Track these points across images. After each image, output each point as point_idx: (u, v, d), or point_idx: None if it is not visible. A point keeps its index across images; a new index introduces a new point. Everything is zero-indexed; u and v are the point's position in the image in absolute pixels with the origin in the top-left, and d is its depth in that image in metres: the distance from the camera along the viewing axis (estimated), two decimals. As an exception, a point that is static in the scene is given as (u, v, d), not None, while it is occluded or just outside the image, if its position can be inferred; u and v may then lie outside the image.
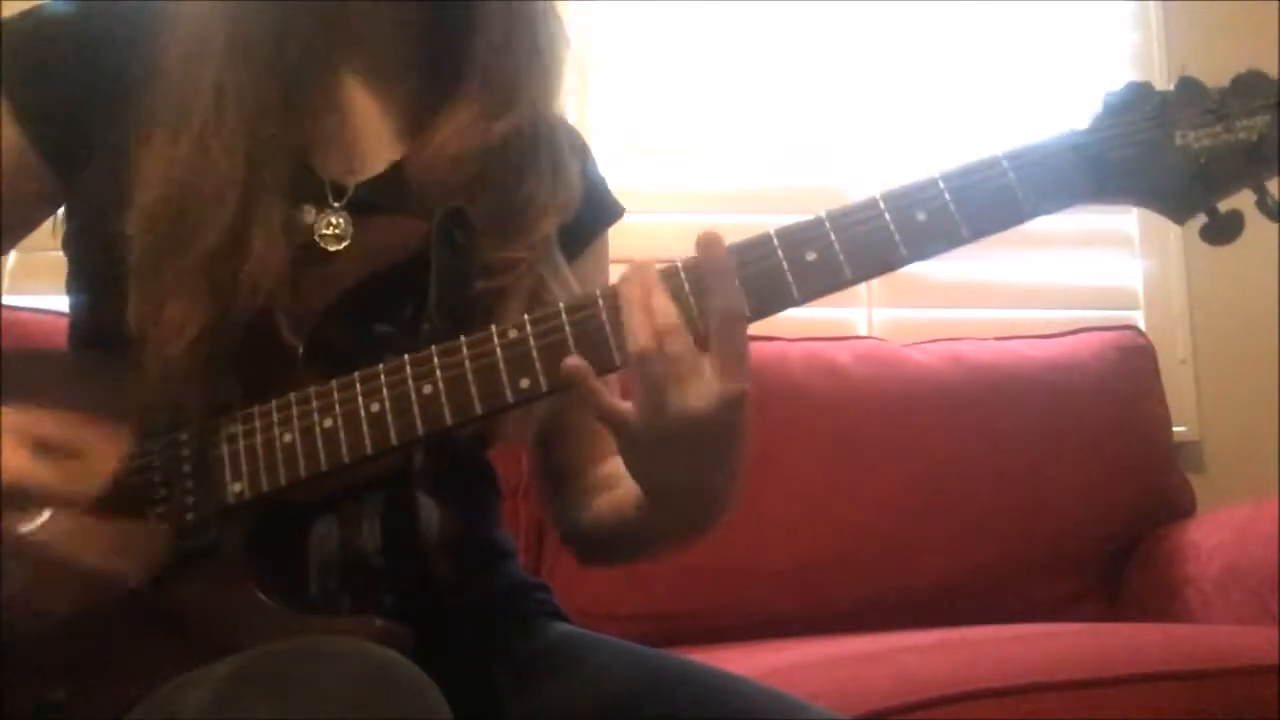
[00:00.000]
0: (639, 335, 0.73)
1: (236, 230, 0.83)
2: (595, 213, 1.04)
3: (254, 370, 0.82)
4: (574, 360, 0.75)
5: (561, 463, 1.02)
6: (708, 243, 0.75)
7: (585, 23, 2.16)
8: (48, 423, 0.78)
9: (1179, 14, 2.21)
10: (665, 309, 0.74)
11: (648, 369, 0.73)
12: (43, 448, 0.77)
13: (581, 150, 1.05)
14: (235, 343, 0.81)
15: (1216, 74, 0.79)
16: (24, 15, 0.94)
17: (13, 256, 1.95)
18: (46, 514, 0.78)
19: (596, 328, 0.77)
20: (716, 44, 2.20)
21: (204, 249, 0.82)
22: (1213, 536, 1.68)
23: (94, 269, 0.91)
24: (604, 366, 0.77)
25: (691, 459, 0.77)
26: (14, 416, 0.78)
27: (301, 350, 0.82)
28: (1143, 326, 2.07)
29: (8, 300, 1.67)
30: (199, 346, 0.80)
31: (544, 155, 0.93)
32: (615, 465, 0.91)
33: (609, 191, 1.08)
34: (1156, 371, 1.95)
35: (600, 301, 0.77)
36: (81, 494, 0.78)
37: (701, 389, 0.73)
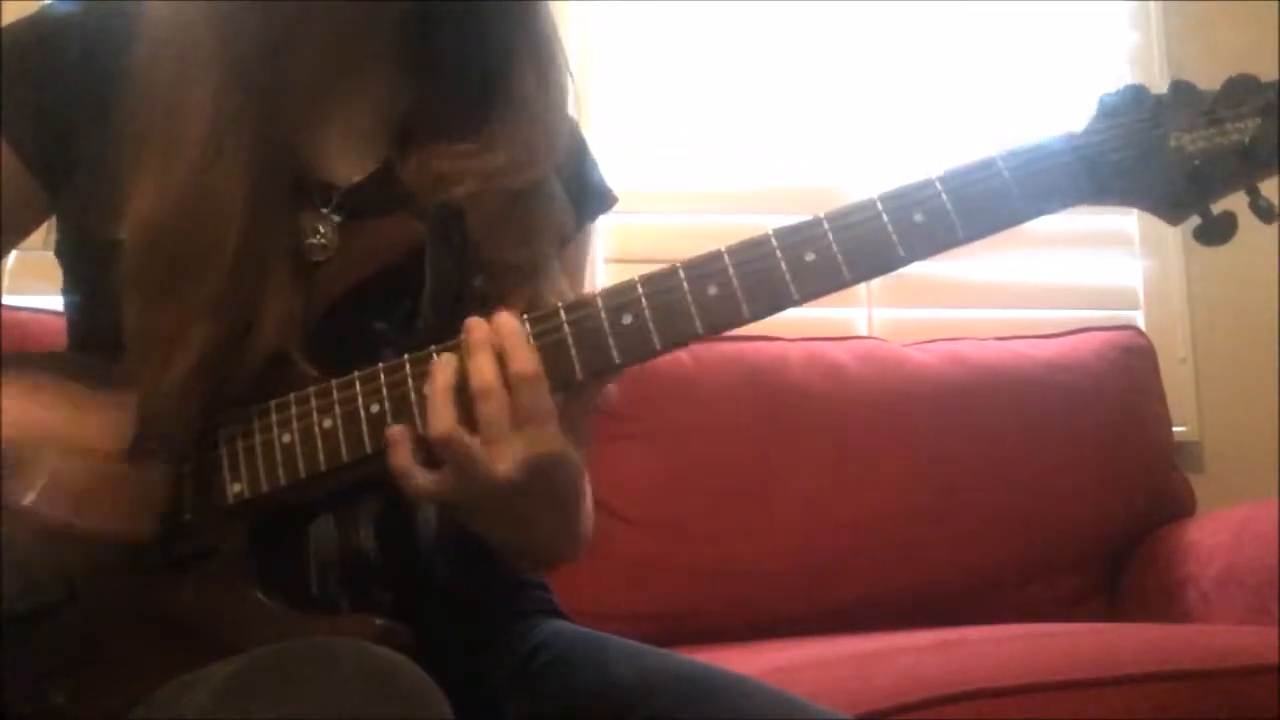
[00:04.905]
0: (439, 423, 0.75)
1: (243, 264, 0.81)
2: (584, 206, 1.03)
3: (257, 377, 0.82)
4: (395, 430, 0.77)
5: None
6: (473, 325, 0.77)
7: (585, 23, 2.16)
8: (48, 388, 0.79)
9: (1178, 14, 2.21)
10: (485, 371, 0.75)
11: (450, 446, 0.75)
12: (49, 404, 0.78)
13: (580, 148, 1.04)
14: (243, 368, 0.81)
15: (1215, 74, 0.79)
16: (9, 29, 0.94)
17: (13, 256, 1.94)
18: (42, 481, 0.78)
19: (595, 327, 0.77)
20: (716, 44, 2.19)
21: (206, 293, 0.80)
22: (1213, 536, 1.68)
23: (86, 277, 0.91)
24: (604, 367, 0.77)
25: (506, 521, 0.79)
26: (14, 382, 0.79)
27: (301, 355, 0.82)
28: (1143, 326, 2.07)
29: (8, 300, 1.67)
30: (197, 373, 0.79)
31: (550, 186, 0.92)
32: None
33: (602, 181, 1.07)
34: (1156, 371, 1.95)
35: (599, 302, 0.78)
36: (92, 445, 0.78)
37: (512, 452, 0.74)
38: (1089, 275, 2.17)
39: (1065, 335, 1.97)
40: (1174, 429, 1.98)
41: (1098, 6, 2.24)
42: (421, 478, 0.76)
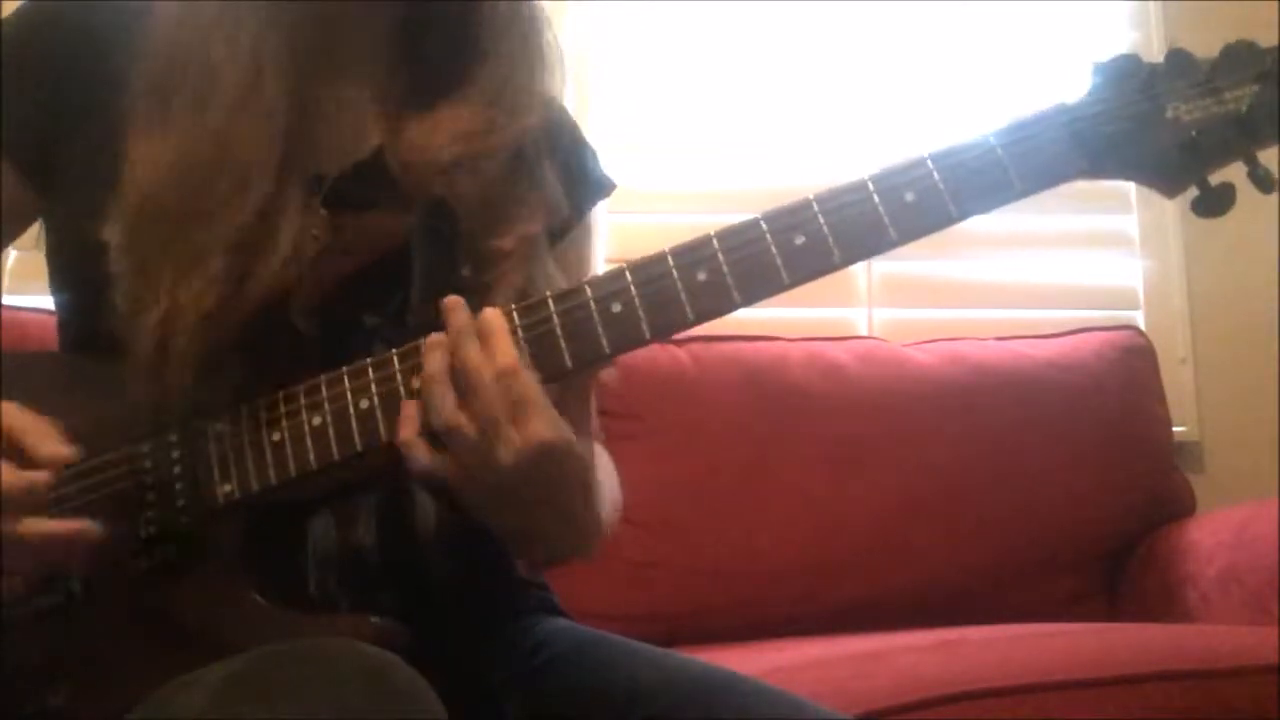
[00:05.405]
0: (443, 410, 0.74)
1: (266, 207, 0.81)
2: (581, 194, 1.02)
3: (257, 359, 0.81)
4: (409, 404, 0.76)
5: None
6: (453, 307, 0.77)
7: (585, 23, 2.16)
8: None
9: (1177, 13, 2.21)
10: (472, 363, 0.75)
11: (456, 437, 0.74)
12: None
13: (573, 133, 1.04)
14: (246, 330, 0.80)
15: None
16: (5, 23, 0.93)
17: (12, 256, 1.95)
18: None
19: (584, 317, 0.77)
20: (717, 44, 2.19)
21: (230, 225, 0.80)
22: (1213, 536, 1.68)
23: (76, 275, 0.91)
24: (594, 357, 0.77)
25: (513, 509, 0.79)
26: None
27: (313, 335, 0.82)
28: (1143, 326, 2.07)
29: (8, 300, 1.67)
30: (209, 328, 0.78)
31: (534, 157, 0.92)
32: None
33: (599, 168, 1.06)
34: (1156, 371, 1.95)
35: (588, 291, 0.77)
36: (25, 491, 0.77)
37: (511, 443, 0.74)
38: (1089, 275, 2.17)
39: (1065, 335, 1.97)
40: (1174, 429, 1.97)
41: (1098, 6, 2.24)
42: (425, 454, 0.75)
